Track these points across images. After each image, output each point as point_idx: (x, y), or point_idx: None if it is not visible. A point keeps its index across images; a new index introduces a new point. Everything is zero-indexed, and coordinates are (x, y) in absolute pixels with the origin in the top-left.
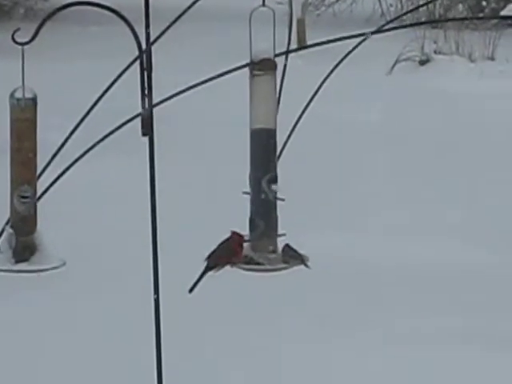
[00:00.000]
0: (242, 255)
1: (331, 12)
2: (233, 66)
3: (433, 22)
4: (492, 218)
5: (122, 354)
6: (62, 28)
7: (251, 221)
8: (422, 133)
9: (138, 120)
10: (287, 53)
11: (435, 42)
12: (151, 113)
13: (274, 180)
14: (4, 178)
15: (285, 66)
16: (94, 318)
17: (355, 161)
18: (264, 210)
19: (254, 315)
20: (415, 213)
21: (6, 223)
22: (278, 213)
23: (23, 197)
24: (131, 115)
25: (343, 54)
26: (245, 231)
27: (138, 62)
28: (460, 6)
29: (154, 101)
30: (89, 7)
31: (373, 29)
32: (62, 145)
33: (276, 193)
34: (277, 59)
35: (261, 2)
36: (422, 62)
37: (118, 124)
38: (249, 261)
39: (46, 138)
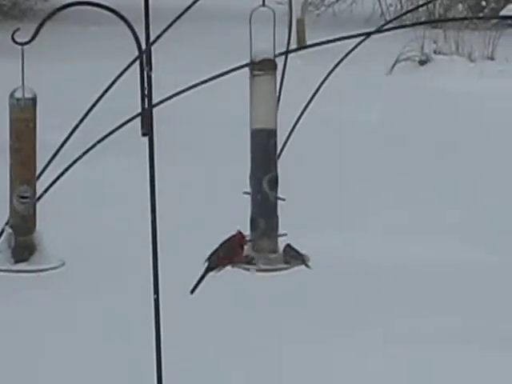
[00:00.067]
0: (243, 255)
1: (331, 12)
2: (233, 66)
3: (433, 22)
4: (492, 218)
5: (122, 354)
6: (61, 28)
7: (252, 221)
8: (422, 133)
9: (138, 120)
10: (287, 53)
11: (435, 42)
12: (151, 113)
13: (275, 180)
14: (4, 177)
15: (284, 65)
16: (93, 318)
17: (355, 161)
18: (265, 210)
19: (255, 315)
20: (415, 213)
21: (6, 223)
22: (279, 213)
23: (23, 197)
24: (131, 115)
25: (343, 54)
26: (245, 231)
27: (138, 61)
28: (460, 5)
29: (154, 101)
30: (89, 7)
31: (373, 29)
32: (62, 145)
33: (276, 193)
34: (276, 59)
35: (261, 2)
36: (422, 62)
37: (118, 124)
38: (250, 261)
39: (46, 138)
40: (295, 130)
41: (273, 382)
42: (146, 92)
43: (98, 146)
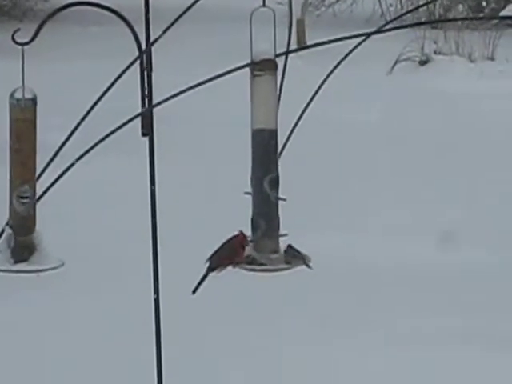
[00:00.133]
0: (244, 255)
1: (331, 12)
2: (233, 67)
3: (433, 22)
4: (492, 218)
5: (122, 353)
6: (62, 28)
7: (253, 221)
8: (422, 133)
9: (138, 120)
10: (287, 53)
11: (435, 43)
12: (151, 113)
13: (276, 180)
14: (4, 177)
15: (285, 66)
16: (93, 318)
17: (355, 161)
18: (266, 210)
19: (255, 315)
20: (415, 213)
21: (6, 223)
22: (279, 213)
23: (22, 197)
24: (131, 115)
25: (343, 54)
26: (245, 231)
27: (138, 62)
28: (460, 6)
29: (154, 101)
30: (89, 7)
31: (373, 29)
32: (62, 145)
33: (277, 193)
34: (277, 59)
35: (261, 3)
36: (422, 62)
37: (118, 124)
38: (251, 261)
39: (46, 138)
40: (295, 130)
41: (273, 382)
42: (146, 92)
43: (98, 145)
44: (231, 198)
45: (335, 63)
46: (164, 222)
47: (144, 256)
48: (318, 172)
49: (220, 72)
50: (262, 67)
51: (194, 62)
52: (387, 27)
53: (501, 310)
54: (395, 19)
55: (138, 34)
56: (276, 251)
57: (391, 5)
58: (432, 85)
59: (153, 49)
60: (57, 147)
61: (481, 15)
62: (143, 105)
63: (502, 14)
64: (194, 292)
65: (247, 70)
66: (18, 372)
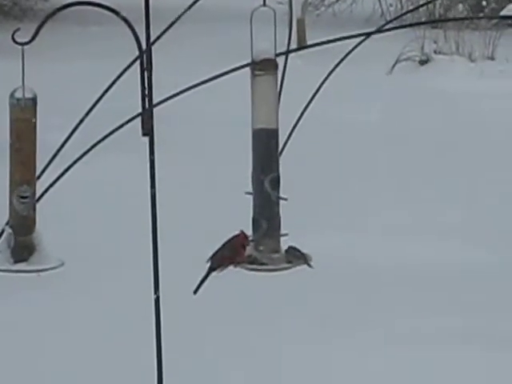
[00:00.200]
0: (245, 255)
1: (331, 12)
2: (233, 66)
3: (433, 22)
4: (492, 218)
5: (122, 353)
6: (62, 28)
7: (254, 221)
8: (422, 133)
9: (138, 120)
10: (287, 53)
11: (435, 42)
12: (151, 113)
13: (277, 180)
14: (4, 177)
15: (285, 65)
16: (93, 318)
17: (355, 161)
18: (267, 210)
19: (255, 315)
20: (415, 213)
21: (6, 223)
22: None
23: (23, 197)
24: (131, 115)
25: (343, 54)
26: (246, 231)
27: (138, 62)
28: (460, 5)
29: (154, 101)
30: (89, 7)
31: (373, 29)
32: (62, 145)
33: (278, 193)
34: (277, 59)
35: (261, 2)
36: (422, 62)
37: (118, 124)
38: (252, 261)
39: (46, 138)
40: (295, 129)
41: (273, 382)
42: (146, 92)
43: (98, 145)
44: (231, 198)
45: (335, 63)
46: (164, 222)
47: (144, 256)
48: (318, 172)
49: (220, 72)
50: (263, 67)
51: (194, 61)
52: (387, 27)
53: (501, 310)
54: (395, 19)
55: (138, 33)
56: (277, 251)
57: (391, 5)
58: (432, 84)
59: (153, 49)
60: (57, 147)
61: (481, 15)
62: (143, 105)
63: (502, 13)
64: (195, 292)
65: (247, 69)
66: (18, 372)
